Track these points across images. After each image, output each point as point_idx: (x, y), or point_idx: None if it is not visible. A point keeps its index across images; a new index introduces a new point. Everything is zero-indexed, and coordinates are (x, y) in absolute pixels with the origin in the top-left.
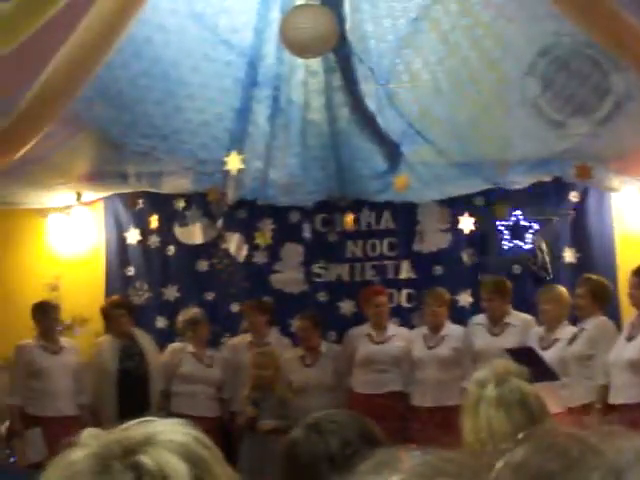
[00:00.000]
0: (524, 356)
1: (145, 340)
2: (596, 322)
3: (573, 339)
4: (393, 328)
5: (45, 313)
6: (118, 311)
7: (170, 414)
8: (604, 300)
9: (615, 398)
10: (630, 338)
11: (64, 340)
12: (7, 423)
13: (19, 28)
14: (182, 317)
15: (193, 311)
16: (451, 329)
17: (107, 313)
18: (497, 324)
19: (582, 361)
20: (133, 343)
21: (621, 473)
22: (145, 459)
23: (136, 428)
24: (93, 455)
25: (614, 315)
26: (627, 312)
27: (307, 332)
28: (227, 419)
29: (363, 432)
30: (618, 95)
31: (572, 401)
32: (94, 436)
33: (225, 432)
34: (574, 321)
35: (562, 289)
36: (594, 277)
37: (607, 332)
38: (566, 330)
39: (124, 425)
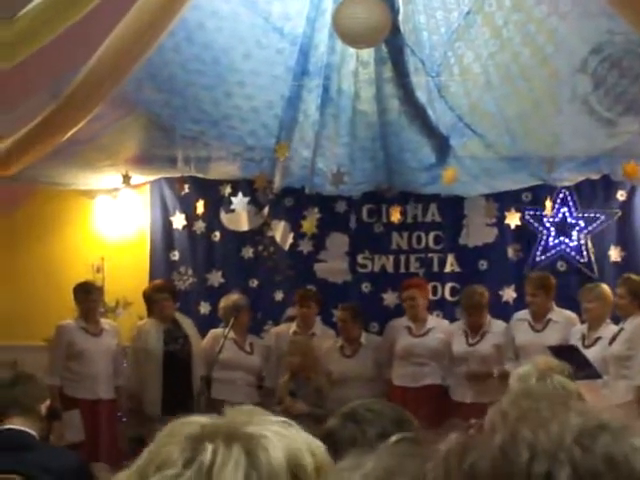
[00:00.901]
0: (567, 354)
1: (187, 324)
2: (635, 322)
3: (613, 339)
4: (433, 320)
5: (87, 294)
6: (161, 295)
7: (210, 400)
8: None
9: None
10: None
11: (105, 322)
12: (47, 402)
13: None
14: (224, 303)
15: (235, 297)
16: (492, 325)
17: (150, 297)
18: (540, 320)
19: (621, 361)
20: (176, 327)
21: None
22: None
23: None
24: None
25: None
26: None
27: (347, 323)
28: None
29: (400, 421)
30: None
31: (610, 400)
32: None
33: None
34: (617, 320)
35: (606, 288)
36: (634, 277)
37: None
38: (609, 329)
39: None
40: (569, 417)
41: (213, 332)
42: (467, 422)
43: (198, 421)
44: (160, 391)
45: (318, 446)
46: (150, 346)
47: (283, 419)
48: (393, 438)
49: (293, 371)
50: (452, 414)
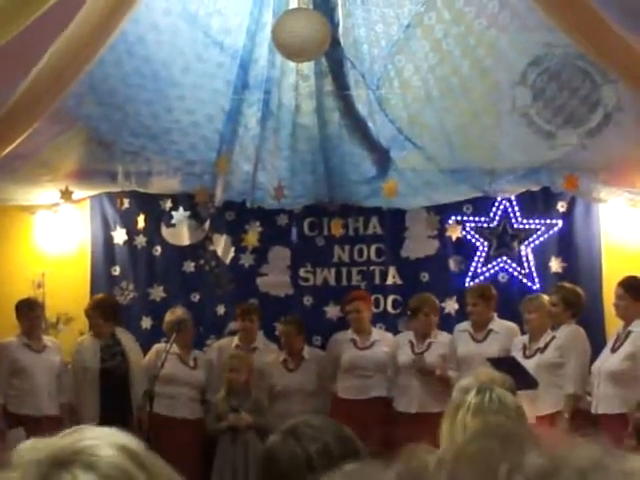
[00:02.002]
0: (506, 365)
1: (127, 339)
2: (567, 330)
3: (545, 347)
4: (377, 333)
5: (29, 311)
6: (101, 312)
7: (152, 415)
8: (576, 308)
9: (597, 408)
10: (614, 349)
11: (47, 339)
12: None
13: (11, 23)
14: (168, 317)
15: (179, 312)
16: (438, 336)
17: (88, 315)
18: (481, 330)
19: (552, 369)
20: (114, 342)
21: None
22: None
23: (67, 439)
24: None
25: (599, 326)
26: (611, 323)
27: (290, 337)
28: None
29: (341, 437)
30: (608, 107)
31: (540, 409)
32: (28, 448)
33: (207, 434)
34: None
35: (546, 298)
36: (567, 285)
37: (578, 341)
38: (547, 338)
39: (59, 434)
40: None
41: (156, 347)
42: (412, 433)
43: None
44: (97, 408)
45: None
46: (87, 363)
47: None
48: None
49: (232, 387)
50: (397, 425)
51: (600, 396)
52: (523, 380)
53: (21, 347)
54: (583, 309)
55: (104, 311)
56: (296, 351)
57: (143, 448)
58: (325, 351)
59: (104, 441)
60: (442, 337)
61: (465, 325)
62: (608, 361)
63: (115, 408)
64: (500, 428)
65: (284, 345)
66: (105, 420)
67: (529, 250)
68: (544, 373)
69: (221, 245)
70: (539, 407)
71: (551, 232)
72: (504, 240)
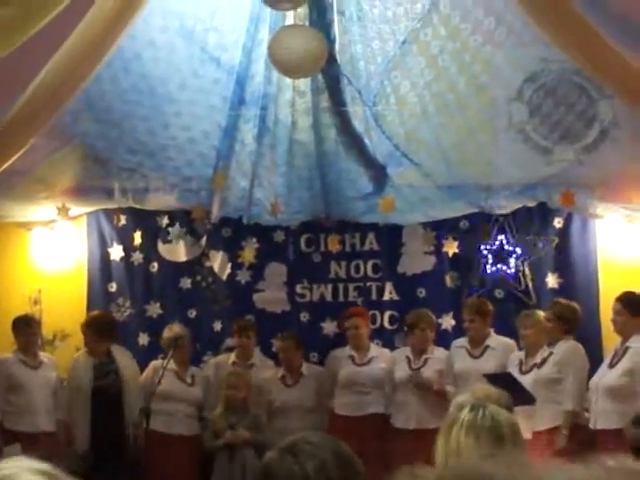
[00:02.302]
0: (502, 381)
1: (123, 357)
2: (565, 346)
3: (542, 363)
4: (375, 349)
5: (26, 327)
6: (96, 329)
7: (149, 432)
8: (572, 323)
9: (596, 424)
10: (612, 365)
11: (43, 355)
12: None
13: (16, 35)
14: (166, 334)
15: (176, 329)
16: (435, 352)
17: (83, 331)
18: (478, 346)
19: (550, 385)
20: (109, 360)
21: None
22: None
23: None
24: None
25: (595, 341)
26: (608, 338)
27: (288, 353)
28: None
29: (338, 455)
30: (604, 123)
31: (538, 425)
32: None
33: (204, 451)
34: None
35: (542, 314)
36: (562, 301)
37: (576, 357)
38: (545, 354)
39: None
40: None
41: (153, 363)
42: (410, 449)
43: None
44: (88, 427)
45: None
46: (79, 381)
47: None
48: None
49: (230, 403)
50: (395, 441)
51: (598, 412)
52: (520, 396)
53: (17, 363)
54: (580, 324)
55: (98, 328)
56: (294, 367)
57: (61, 472)
58: (323, 367)
59: (22, 468)
60: (439, 353)
61: (462, 341)
62: (606, 377)
63: (107, 426)
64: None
65: (282, 361)
66: (96, 438)
67: (526, 266)
68: (542, 389)
69: (218, 261)
70: (537, 423)
71: (548, 248)
72: (500, 256)
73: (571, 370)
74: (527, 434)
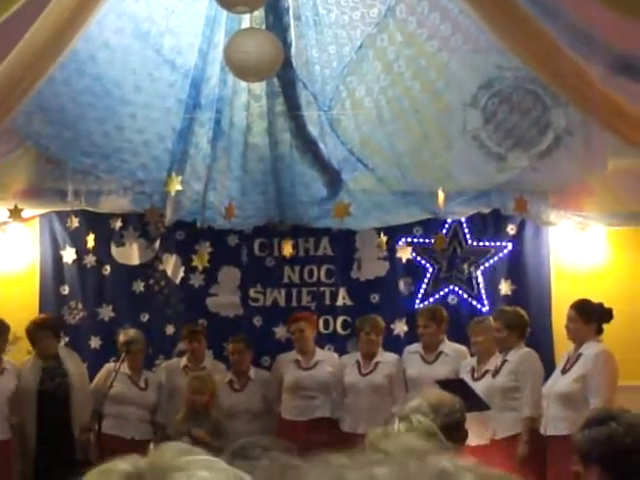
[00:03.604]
0: (454, 387)
1: (71, 360)
2: (519, 354)
3: (497, 371)
4: (321, 353)
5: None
6: (43, 332)
7: (100, 435)
8: (522, 329)
9: (546, 429)
10: (565, 371)
11: (7, 361)
12: None
13: None
14: (121, 338)
15: (130, 332)
16: (384, 357)
17: (32, 334)
18: (431, 352)
19: (507, 393)
20: (57, 364)
21: None
22: None
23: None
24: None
25: (547, 347)
26: (560, 344)
27: (240, 355)
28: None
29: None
30: (558, 130)
31: (498, 433)
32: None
33: None
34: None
35: (493, 322)
36: (507, 308)
37: (531, 364)
38: (498, 362)
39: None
40: None
41: (107, 366)
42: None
43: (120, 469)
44: (34, 431)
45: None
46: (26, 385)
47: (207, 457)
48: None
49: (191, 408)
50: (343, 445)
51: (549, 418)
52: (472, 402)
53: None
54: (532, 331)
55: (55, 330)
56: (243, 370)
57: None
58: (270, 371)
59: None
60: (388, 357)
61: (416, 347)
62: (558, 383)
63: (53, 429)
64: None
65: (234, 363)
66: (43, 441)
67: (479, 272)
68: (498, 397)
69: (171, 265)
70: (496, 431)
71: (501, 254)
72: (454, 262)
73: (528, 377)
74: (481, 440)
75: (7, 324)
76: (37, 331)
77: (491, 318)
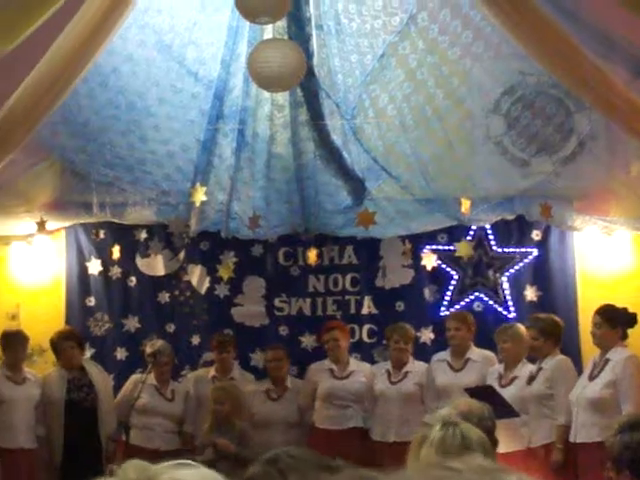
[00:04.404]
0: (483, 394)
1: (96, 372)
2: (554, 361)
3: (532, 379)
4: (355, 363)
5: (16, 343)
6: (67, 343)
7: (128, 446)
8: (557, 337)
9: (576, 437)
10: (592, 377)
11: (27, 371)
12: None
13: None
14: (148, 349)
15: (157, 343)
16: (414, 365)
17: (56, 345)
18: (460, 358)
19: (542, 400)
20: (82, 375)
21: None
22: None
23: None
24: None
25: (575, 354)
26: (587, 350)
27: (279, 363)
28: (188, 453)
29: (321, 467)
30: (581, 135)
31: (533, 441)
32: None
33: None
34: (534, 360)
35: (521, 327)
36: (542, 316)
37: (566, 371)
38: (525, 368)
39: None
40: None
41: (133, 377)
42: (389, 462)
43: None
44: (61, 441)
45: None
46: (53, 395)
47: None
48: None
49: (218, 418)
50: (374, 455)
51: (579, 425)
52: (502, 409)
53: (2, 378)
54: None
55: (79, 342)
56: (281, 378)
57: None
58: (303, 380)
59: None
60: (418, 366)
61: (443, 354)
62: (587, 389)
63: (81, 440)
64: None
65: (271, 371)
66: (71, 452)
67: (504, 279)
68: (533, 405)
69: (196, 275)
70: (532, 439)
71: (526, 260)
72: (479, 269)
73: (562, 384)
74: (514, 447)
75: (26, 335)
76: (61, 342)
77: (519, 324)
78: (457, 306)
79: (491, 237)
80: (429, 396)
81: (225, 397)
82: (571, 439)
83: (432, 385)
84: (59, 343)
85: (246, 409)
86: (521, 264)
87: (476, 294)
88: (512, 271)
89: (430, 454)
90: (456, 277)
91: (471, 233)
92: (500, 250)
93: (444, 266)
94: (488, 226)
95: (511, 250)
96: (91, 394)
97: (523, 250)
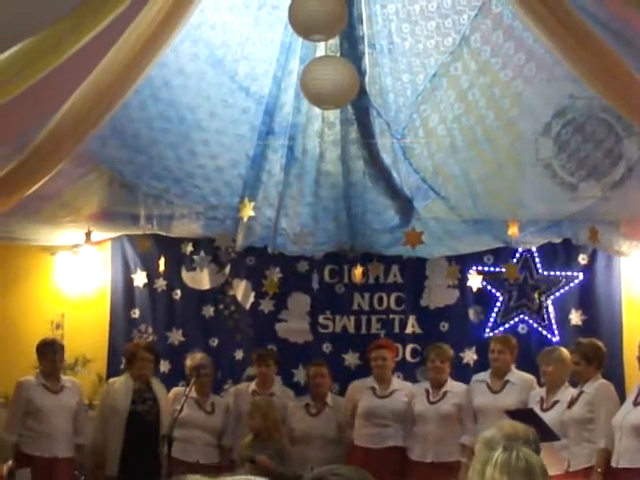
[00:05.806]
0: (524, 417)
1: (159, 387)
2: (596, 385)
3: (573, 402)
4: (397, 382)
5: (52, 352)
6: (146, 354)
7: (171, 459)
8: (599, 361)
9: (619, 462)
10: (637, 403)
11: (66, 379)
12: (9, 463)
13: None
14: (189, 362)
15: (198, 356)
16: (453, 385)
17: (134, 353)
18: (499, 380)
19: (582, 424)
20: (148, 388)
21: None
22: None
23: None
24: None
25: (619, 379)
26: (632, 376)
27: (322, 379)
28: (227, 467)
29: None
30: (631, 160)
31: (573, 465)
32: None
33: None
34: (576, 384)
35: (564, 351)
36: (584, 340)
37: (607, 395)
38: (567, 392)
39: None
40: None
41: (175, 390)
42: None
43: None
44: (119, 451)
45: None
46: (117, 404)
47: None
48: None
49: (255, 433)
50: (412, 474)
51: (622, 450)
52: (543, 433)
53: (38, 387)
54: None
55: (157, 357)
56: (322, 394)
57: None
58: (344, 398)
59: None
60: (457, 386)
61: (483, 375)
62: (631, 414)
63: (139, 454)
64: None
65: (312, 387)
66: (127, 465)
67: (549, 302)
68: (574, 429)
69: (241, 290)
70: (571, 463)
71: (572, 284)
72: (524, 291)
73: (603, 409)
74: (550, 470)
75: (62, 343)
76: (141, 352)
77: (562, 348)
78: (501, 328)
79: (537, 260)
80: (467, 417)
81: (256, 411)
82: (613, 464)
83: (470, 406)
84: (138, 352)
85: (282, 424)
86: (567, 288)
87: (521, 316)
88: (557, 294)
89: (495, 476)
90: (501, 299)
91: (517, 255)
92: (546, 273)
93: (489, 287)
94: (534, 248)
95: (557, 273)
96: (155, 408)
97: (569, 274)
